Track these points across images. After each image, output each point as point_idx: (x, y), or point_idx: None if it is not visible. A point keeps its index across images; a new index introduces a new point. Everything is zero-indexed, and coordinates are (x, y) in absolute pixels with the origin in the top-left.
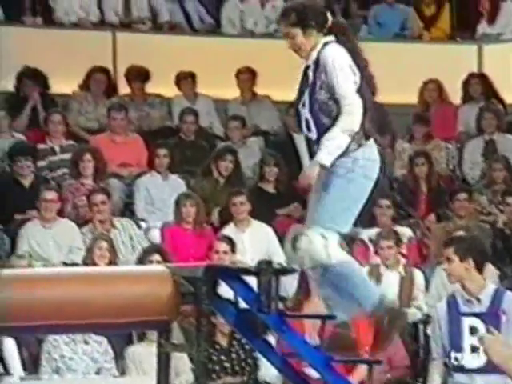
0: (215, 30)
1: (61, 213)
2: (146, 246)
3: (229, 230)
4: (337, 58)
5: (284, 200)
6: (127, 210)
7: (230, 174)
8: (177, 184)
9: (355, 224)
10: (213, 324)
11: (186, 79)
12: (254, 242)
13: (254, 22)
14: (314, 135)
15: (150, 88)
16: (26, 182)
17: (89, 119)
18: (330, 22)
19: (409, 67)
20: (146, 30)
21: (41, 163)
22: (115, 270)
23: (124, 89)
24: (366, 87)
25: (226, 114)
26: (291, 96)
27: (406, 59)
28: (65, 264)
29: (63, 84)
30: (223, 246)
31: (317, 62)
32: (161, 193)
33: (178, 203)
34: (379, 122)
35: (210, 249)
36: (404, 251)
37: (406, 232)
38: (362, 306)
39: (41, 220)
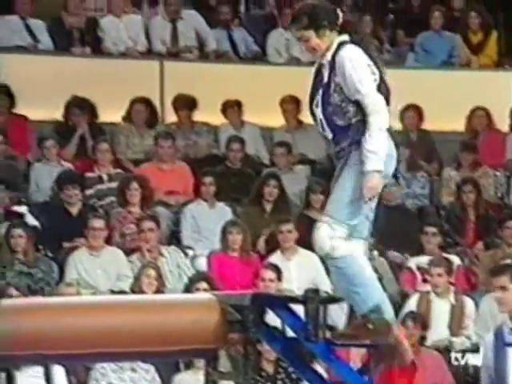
0: (261, 58)
1: (108, 241)
2: (192, 274)
3: (275, 258)
4: (355, 58)
5: None
6: (174, 238)
7: (276, 201)
8: (223, 212)
9: (402, 251)
10: (258, 351)
11: (232, 107)
12: (300, 271)
13: (300, 50)
14: (329, 135)
15: (197, 116)
16: (74, 210)
17: (135, 152)
18: (342, 20)
19: (456, 95)
20: (193, 58)
21: (89, 191)
22: (163, 299)
23: (171, 117)
24: (384, 84)
25: (272, 142)
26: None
27: (453, 87)
28: (113, 292)
29: (111, 113)
30: (269, 274)
31: (332, 63)
32: (207, 221)
33: (224, 231)
34: (426, 149)
35: (257, 277)
36: (452, 279)
37: (453, 260)
38: (359, 305)
39: (89, 248)
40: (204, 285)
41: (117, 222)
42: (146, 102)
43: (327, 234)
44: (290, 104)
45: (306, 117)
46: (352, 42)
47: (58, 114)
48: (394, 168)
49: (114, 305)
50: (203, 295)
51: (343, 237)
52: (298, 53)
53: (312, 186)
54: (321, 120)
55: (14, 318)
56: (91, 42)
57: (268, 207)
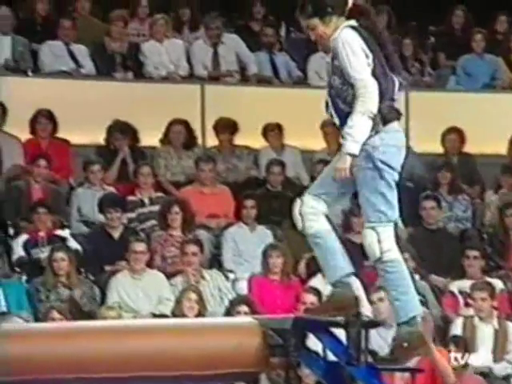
0: (302, 81)
1: (150, 264)
2: (233, 298)
3: (316, 281)
4: (347, 41)
5: None
6: (215, 261)
7: None
8: (264, 235)
9: (445, 275)
10: (298, 375)
11: (273, 130)
12: None
13: None
14: (336, 120)
15: (238, 140)
16: (116, 234)
17: (174, 173)
18: (350, 5)
19: (498, 117)
20: (234, 82)
21: (130, 215)
22: (204, 322)
23: (212, 141)
24: (382, 70)
25: (312, 165)
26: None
27: (495, 109)
28: (154, 315)
29: (152, 137)
30: (310, 298)
31: (333, 46)
32: (248, 244)
33: (265, 254)
34: (468, 172)
35: (298, 300)
36: (495, 304)
37: (496, 284)
38: (398, 313)
39: (130, 271)
40: (245, 308)
41: (158, 245)
42: (184, 124)
43: (375, 238)
44: (331, 127)
45: None
46: (359, 25)
47: (99, 138)
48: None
49: (155, 328)
50: (244, 319)
51: (389, 235)
52: None
53: (353, 208)
54: (329, 104)
55: (58, 342)
56: (133, 66)
57: None
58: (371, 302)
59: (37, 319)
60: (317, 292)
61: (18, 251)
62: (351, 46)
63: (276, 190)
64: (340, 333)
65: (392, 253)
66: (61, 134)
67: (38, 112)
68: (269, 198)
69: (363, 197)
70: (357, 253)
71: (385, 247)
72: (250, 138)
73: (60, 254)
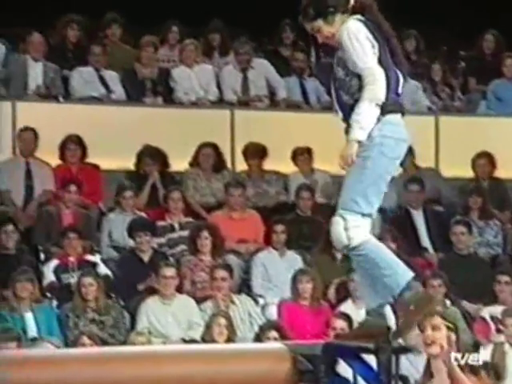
0: (331, 106)
1: (179, 289)
2: (263, 323)
3: (346, 307)
4: (352, 31)
5: None
6: (245, 286)
7: None
8: (293, 260)
9: (476, 301)
10: None
11: (302, 155)
12: None
13: None
14: (340, 113)
15: (267, 164)
16: (146, 258)
17: (203, 195)
18: (352, 2)
19: None
20: (264, 107)
21: (160, 240)
22: (234, 348)
23: (241, 166)
24: (387, 62)
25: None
26: (406, 173)
27: None
28: (184, 341)
29: (182, 162)
30: (340, 323)
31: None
32: (278, 269)
33: (294, 279)
34: (499, 197)
35: (327, 326)
36: None
37: None
38: (389, 289)
39: (160, 296)
40: (274, 334)
41: (188, 270)
42: (213, 147)
43: (341, 226)
44: None
45: None
46: (365, 19)
47: (129, 163)
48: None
49: (185, 354)
50: (274, 344)
51: (358, 225)
52: None
53: (382, 233)
54: (333, 97)
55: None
56: (163, 91)
57: (338, 255)
58: None
59: (67, 345)
60: (347, 317)
61: (49, 276)
62: (356, 36)
63: (306, 214)
64: (371, 359)
65: (359, 238)
66: (91, 159)
67: (67, 137)
68: (298, 223)
69: (345, 183)
70: None
71: (351, 234)
72: (279, 162)
73: (88, 279)
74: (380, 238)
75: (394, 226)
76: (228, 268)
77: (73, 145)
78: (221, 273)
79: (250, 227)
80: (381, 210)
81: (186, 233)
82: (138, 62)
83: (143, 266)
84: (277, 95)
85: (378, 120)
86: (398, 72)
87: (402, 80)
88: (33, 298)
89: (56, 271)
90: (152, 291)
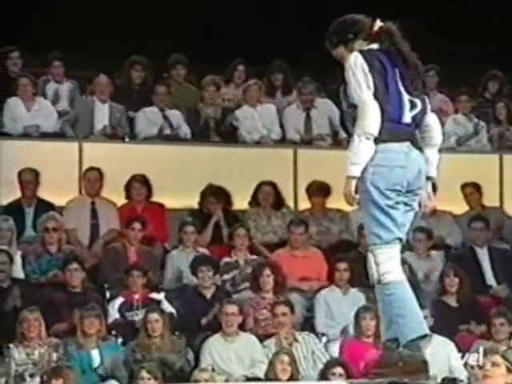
0: None
1: (242, 327)
2: (328, 359)
3: None
4: (350, 65)
5: (466, 314)
6: (307, 323)
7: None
8: (357, 297)
9: None
10: None
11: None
12: (435, 357)
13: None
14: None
15: (329, 203)
16: (208, 294)
17: (265, 233)
18: (376, 28)
19: None
20: (326, 146)
21: (225, 277)
22: None
23: (303, 204)
24: (385, 93)
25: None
26: (471, 211)
27: None
28: (247, 378)
29: (245, 200)
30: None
31: None
32: (340, 306)
33: (357, 316)
34: None
35: None
36: None
37: None
38: (398, 333)
39: (223, 334)
40: (340, 370)
41: (250, 307)
42: (272, 185)
43: (372, 261)
44: None
45: (440, 203)
46: (379, 49)
47: (193, 202)
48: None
49: None
50: (338, 382)
51: (388, 257)
52: None
53: (445, 270)
54: (343, 129)
55: None
56: (226, 131)
57: None
58: (468, 366)
59: (131, 380)
60: None
61: (114, 314)
62: (353, 69)
63: None
64: None
65: (390, 275)
66: (156, 198)
67: (133, 177)
68: (361, 261)
69: (362, 220)
70: (452, 316)
71: (382, 270)
72: (341, 201)
73: (154, 316)
74: (443, 274)
75: (459, 263)
76: (289, 304)
77: (138, 184)
78: (282, 309)
79: (312, 265)
80: (445, 247)
81: (249, 270)
82: (202, 102)
83: (206, 303)
84: (339, 134)
85: (375, 151)
86: (406, 100)
87: (407, 106)
88: (99, 335)
89: (121, 309)
90: (215, 328)
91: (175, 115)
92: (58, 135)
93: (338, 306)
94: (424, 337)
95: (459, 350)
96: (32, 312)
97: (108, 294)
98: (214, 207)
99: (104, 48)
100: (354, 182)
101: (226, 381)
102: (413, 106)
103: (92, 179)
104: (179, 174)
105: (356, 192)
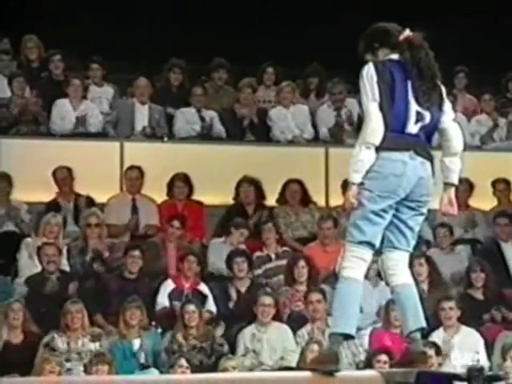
0: None
1: (276, 319)
2: (374, 349)
3: (438, 335)
4: (362, 76)
5: (492, 307)
6: None
7: (432, 278)
8: (385, 290)
9: None
10: None
11: None
12: (462, 348)
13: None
14: None
15: None
16: (243, 288)
17: (295, 228)
18: (401, 38)
19: None
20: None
21: (257, 271)
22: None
23: (334, 201)
24: (390, 104)
25: (433, 223)
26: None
27: None
28: (279, 367)
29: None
30: (429, 351)
31: None
32: (370, 299)
33: (386, 308)
34: None
35: None
36: None
37: None
38: (332, 322)
39: (257, 324)
40: (384, 357)
41: (285, 299)
42: (299, 183)
43: (342, 254)
44: (463, 186)
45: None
46: (399, 60)
47: (229, 199)
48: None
49: (279, 381)
50: (369, 372)
51: (356, 255)
52: None
53: (472, 265)
54: None
55: None
56: (261, 130)
57: (424, 286)
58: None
59: (170, 368)
60: (433, 344)
61: (163, 301)
62: (363, 80)
63: None
64: None
65: (348, 270)
66: (193, 195)
67: (176, 176)
68: None
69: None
70: (478, 308)
71: (344, 263)
72: None
73: (191, 307)
74: (469, 269)
75: (485, 257)
76: (322, 291)
77: (181, 183)
78: (316, 296)
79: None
80: (471, 241)
81: (282, 262)
82: (237, 103)
83: (240, 296)
84: None
85: (376, 158)
86: (413, 112)
87: (413, 117)
88: (141, 325)
89: (170, 296)
90: (250, 319)
91: (211, 115)
92: (101, 135)
93: (368, 298)
94: (347, 336)
95: (485, 340)
96: (74, 304)
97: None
98: (247, 195)
99: (143, 52)
100: (354, 188)
101: (259, 370)
102: (420, 118)
103: (133, 177)
104: (215, 172)
105: (354, 198)
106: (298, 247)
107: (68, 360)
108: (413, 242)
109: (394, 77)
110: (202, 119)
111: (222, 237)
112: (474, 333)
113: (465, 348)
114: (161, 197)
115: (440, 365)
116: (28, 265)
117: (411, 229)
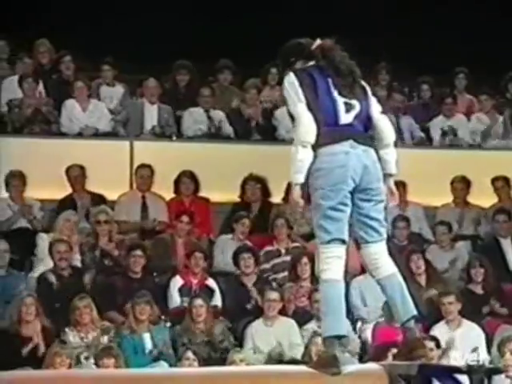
0: (423, 142)
1: (282, 314)
2: (388, 341)
3: (440, 328)
4: (284, 85)
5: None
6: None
7: (428, 274)
8: None
9: None
10: None
11: (397, 188)
12: (464, 341)
13: (462, 133)
14: None
15: None
16: (249, 283)
17: (300, 225)
18: (313, 47)
19: None
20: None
21: (265, 266)
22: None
23: None
24: (315, 102)
25: (434, 220)
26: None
27: None
28: (285, 361)
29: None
30: (429, 344)
31: None
32: (374, 293)
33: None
34: None
35: None
36: None
37: None
38: (323, 327)
39: (264, 319)
40: (395, 350)
41: (291, 295)
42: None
43: (316, 257)
44: (460, 184)
45: (472, 197)
46: (315, 64)
47: (234, 196)
48: None
49: (285, 374)
50: (373, 365)
51: (329, 255)
52: (461, 136)
53: (472, 261)
54: None
55: None
56: (266, 129)
57: (422, 281)
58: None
59: (178, 361)
60: (433, 338)
61: (176, 299)
62: (286, 89)
63: (402, 244)
64: (464, 379)
65: (326, 273)
66: (201, 193)
67: (182, 173)
68: (393, 252)
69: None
70: (477, 302)
71: (320, 266)
72: None
73: (199, 302)
74: (469, 265)
75: (484, 253)
76: None
77: (187, 179)
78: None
79: (349, 255)
80: (471, 238)
81: (289, 258)
82: (243, 103)
83: (247, 291)
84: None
85: (316, 156)
86: (341, 104)
87: (355, 108)
88: (150, 319)
89: (180, 292)
90: (257, 314)
91: (219, 115)
92: (111, 134)
93: (372, 292)
94: (340, 337)
95: (486, 334)
96: (82, 299)
97: (157, 281)
98: (253, 192)
99: (152, 54)
100: (297, 188)
101: (265, 363)
102: (349, 107)
103: (144, 175)
104: (222, 170)
105: (303, 198)
106: (304, 243)
107: (80, 354)
108: (383, 230)
109: (314, 77)
110: (210, 119)
111: (229, 233)
112: (475, 327)
113: (466, 341)
114: (169, 194)
115: (440, 358)
116: (44, 260)
117: (376, 219)
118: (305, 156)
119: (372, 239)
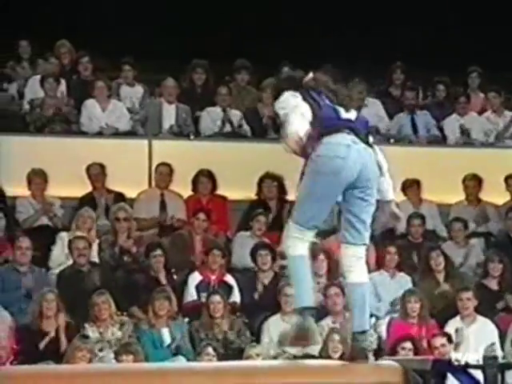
0: (438, 140)
1: None
2: (400, 335)
3: (455, 324)
4: (280, 100)
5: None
6: None
7: (446, 270)
8: (403, 281)
9: None
10: None
11: (411, 186)
12: (478, 337)
13: (476, 132)
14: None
15: None
16: (266, 280)
17: None
18: (307, 78)
19: None
20: (374, 141)
21: (283, 262)
22: (346, 363)
23: None
24: (319, 106)
25: (448, 218)
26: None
27: None
28: (302, 356)
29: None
30: (440, 340)
31: None
32: (388, 289)
33: (403, 299)
34: None
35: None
36: None
37: None
38: (295, 300)
39: (281, 314)
40: (409, 345)
41: None
42: None
43: (286, 233)
44: (472, 181)
45: (485, 195)
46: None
47: (252, 194)
48: None
49: (301, 369)
50: (387, 361)
51: (299, 237)
52: (475, 135)
53: (490, 256)
54: None
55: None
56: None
57: (440, 278)
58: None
59: (197, 356)
60: (446, 334)
61: (192, 294)
62: (286, 95)
63: (417, 241)
64: (478, 374)
65: (291, 249)
66: (218, 191)
67: (200, 172)
68: (408, 249)
69: (298, 196)
70: (491, 298)
71: (287, 243)
72: None
73: (217, 298)
74: (487, 260)
75: (497, 249)
76: (340, 286)
77: (205, 178)
78: (334, 290)
79: None
80: (485, 234)
81: None
82: (260, 102)
83: (264, 287)
84: (379, 131)
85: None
86: (339, 108)
87: (352, 112)
88: (169, 314)
89: (198, 287)
90: (274, 309)
91: (236, 114)
92: (130, 134)
93: (386, 288)
94: (309, 308)
95: (499, 330)
96: (100, 295)
97: (175, 277)
98: (269, 190)
99: (170, 53)
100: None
101: (281, 358)
102: (347, 110)
103: (163, 173)
104: (239, 169)
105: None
106: (318, 240)
107: (101, 349)
108: (367, 234)
109: (313, 96)
110: (228, 118)
111: (247, 231)
112: (489, 323)
113: (480, 337)
114: (187, 192)
115: (454, 350)
116: (62, 257)
117: (364, 222)
118: (298, 121)
119: (353, 241)
